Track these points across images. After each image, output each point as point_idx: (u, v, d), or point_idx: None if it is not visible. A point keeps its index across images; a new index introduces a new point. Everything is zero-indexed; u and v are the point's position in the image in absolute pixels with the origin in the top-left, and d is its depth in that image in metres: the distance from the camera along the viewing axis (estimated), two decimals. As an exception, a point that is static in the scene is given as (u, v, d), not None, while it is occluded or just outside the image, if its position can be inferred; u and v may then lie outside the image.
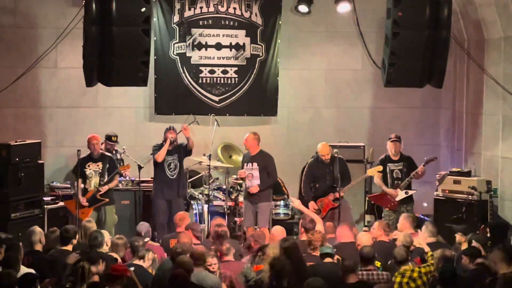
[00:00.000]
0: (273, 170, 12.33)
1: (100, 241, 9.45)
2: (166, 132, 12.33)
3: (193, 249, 8.98)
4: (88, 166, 12.07)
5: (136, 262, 9.04)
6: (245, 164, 12.35)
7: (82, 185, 11.93)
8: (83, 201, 11.87)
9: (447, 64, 11.62)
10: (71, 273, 8.14)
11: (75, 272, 8.05)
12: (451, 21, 11.35)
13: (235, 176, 12.85)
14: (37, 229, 9.62)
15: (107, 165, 12.12)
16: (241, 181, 12.61)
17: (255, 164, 12.23)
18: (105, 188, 12.02)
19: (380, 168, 12.25)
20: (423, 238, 10.16)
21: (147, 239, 10.29)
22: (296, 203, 12.02)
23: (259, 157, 12.29)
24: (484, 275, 8.40)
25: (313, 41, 14.46)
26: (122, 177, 12.65)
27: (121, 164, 12.82)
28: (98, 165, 12.09)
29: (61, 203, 12.50)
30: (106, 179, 12.06)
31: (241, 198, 12.74)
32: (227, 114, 13.97)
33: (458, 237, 10.39)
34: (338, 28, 14.44)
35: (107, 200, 12.04)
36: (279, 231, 10.69)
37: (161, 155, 12.24)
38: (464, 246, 9.93)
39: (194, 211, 12.73)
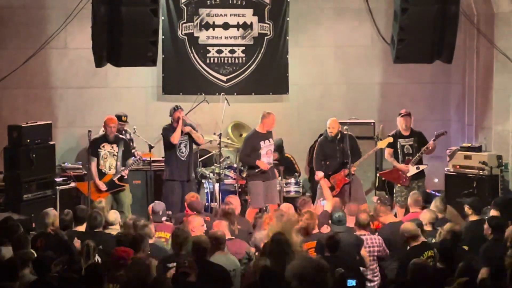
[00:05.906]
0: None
1: (99, 221, 9.40)
2: (175, 112, 12.03)
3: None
4: (103, 146, 12.03)
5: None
6: (261, 142, 12.03)
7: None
8: (102, 186, 11.88)
9: (457, 39, 11.58)
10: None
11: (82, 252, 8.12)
12: (460, -5, 11.32)
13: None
14: (52, 211, 9.57)
15: (123, 149, 12.07)
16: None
17: (271, 140, 12.17)
18: (126, 171, 12.02)
19: (391, 139, 12.21)
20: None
21: (164, 218, 10.31)
22: (320, 175, 12.04)
23: (271, 133, 12.26)
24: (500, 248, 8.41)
25: (322, 17, 14.41)
26: (133, 157, 12.62)
27: (131, 144, 12.80)
28: (113, 147, 12.04)
29: (73, 184, 12.55)
30: (121, 162, 12.02)
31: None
32: (235, 93, 13.94)
33: (466, 209, 10.37)
34: (347, 4, 14.39)
35: (127, 185, 12.08)
36: (287, 208, 10.72)
37: (176, 137, 11.97)
38: (472, 218, 9.95)
39: (206, 190, 12.74)
